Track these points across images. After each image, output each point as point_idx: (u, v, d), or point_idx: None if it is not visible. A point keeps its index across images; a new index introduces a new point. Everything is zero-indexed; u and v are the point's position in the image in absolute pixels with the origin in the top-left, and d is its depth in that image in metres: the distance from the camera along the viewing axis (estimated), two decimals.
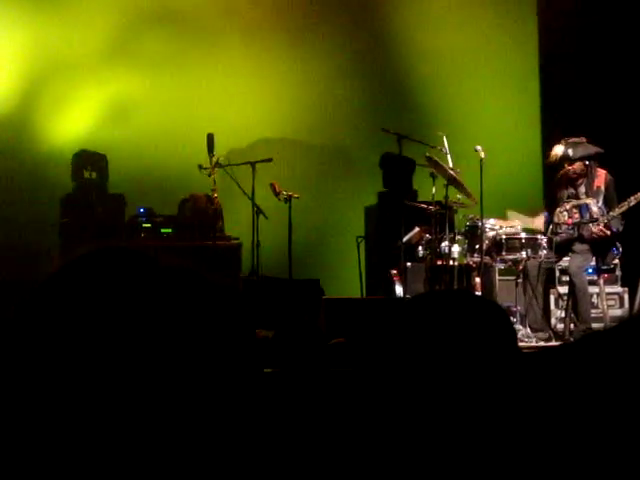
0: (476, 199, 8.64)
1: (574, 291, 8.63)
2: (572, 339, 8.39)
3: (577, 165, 8.65)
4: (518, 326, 8.42)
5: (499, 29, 11.59)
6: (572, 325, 8.77)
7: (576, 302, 8.58)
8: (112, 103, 11.35)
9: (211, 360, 1.04)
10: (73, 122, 11.25)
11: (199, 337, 1.05)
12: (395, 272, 9.15)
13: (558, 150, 8.71)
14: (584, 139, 8.74)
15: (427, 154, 8.81)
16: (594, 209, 8.59)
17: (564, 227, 8.70)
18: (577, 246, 8.62)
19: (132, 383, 1.01)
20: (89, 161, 10.49)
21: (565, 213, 8.70)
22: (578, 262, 8.60)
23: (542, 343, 8.34)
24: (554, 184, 8.93)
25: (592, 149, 8.67)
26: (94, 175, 10.42)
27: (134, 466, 1.00)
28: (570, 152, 8.62)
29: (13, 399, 1.02)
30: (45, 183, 10.73)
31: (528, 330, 8.47)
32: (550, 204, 9.01)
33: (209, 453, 1.03)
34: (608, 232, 8.48)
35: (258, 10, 11.41)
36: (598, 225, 8.49)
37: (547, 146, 9.95)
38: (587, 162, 8.65)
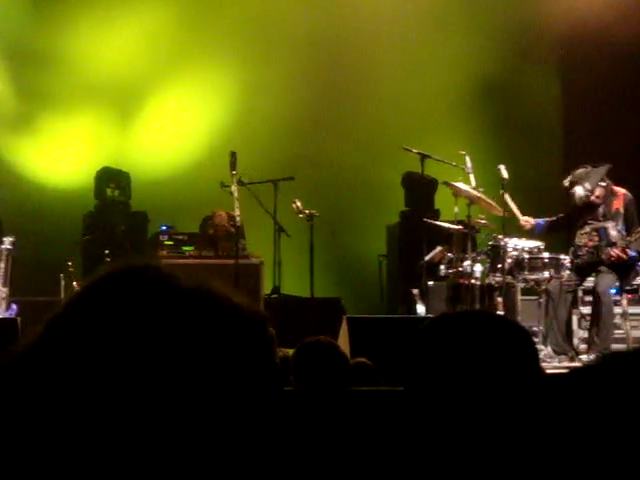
0: (504, 211, 8.61)
1: (600, 310, 8.54)
2: (591, 359, 8.34)
3: (599, 191, 8.68)
4: (540, 346, 8.37)
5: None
6: (589, 345, 8.70)
7: (599, 320, 8.52)
8: (135, 121, 11.41)
9: (229, 381, 1.04)
10: (96, 140, 11.31)
11: (214, 359, 1.04)
12: (417, 291, 9.12)
13: (579, 191, 8.69)
14: (587, 166, 8.73)
15: (444, 181, 8.82)
16: (612, 233, 8.57)
17: (584, 249, 8.68)
18: (603, 266, 8.61)
19: (146, 405, 1.01)
20: (112, 179, 10.54)
21: (585, 236, 8.69)
22: (607, 281, 8.58)
23: (565, 364, 8.29)
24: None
25: (601, 170, 8.68)
26: (117, 193, 10.45)
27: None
28: (587, 186, 8.65)
29: (34, 414, 1.02)
30: (68, 200, 10.78)
31: (550, 350, 8.42)
32: (569, 222, 8.93)
33: (224, 469, 1.03)
34: (625, 256, 8.46)
35: (282, 29, 11.46)
36: (616, 249, 8.48)
37: (567, 166, 9.93)
38: (604, 184, 8.67)
